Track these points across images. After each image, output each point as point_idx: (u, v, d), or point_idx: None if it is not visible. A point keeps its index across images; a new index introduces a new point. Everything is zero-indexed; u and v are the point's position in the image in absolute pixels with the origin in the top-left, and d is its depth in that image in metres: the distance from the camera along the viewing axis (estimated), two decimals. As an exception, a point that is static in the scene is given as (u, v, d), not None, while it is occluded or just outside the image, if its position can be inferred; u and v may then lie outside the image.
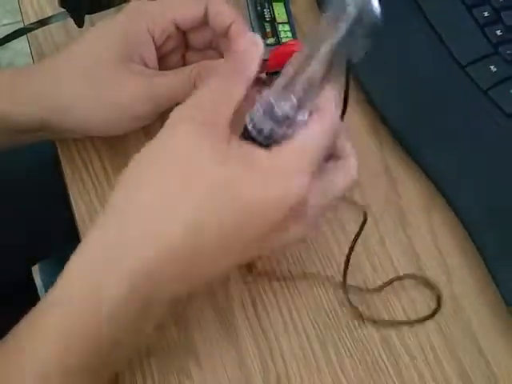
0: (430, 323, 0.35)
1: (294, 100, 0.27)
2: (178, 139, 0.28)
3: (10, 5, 1.65)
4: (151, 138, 0.38)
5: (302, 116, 0.28)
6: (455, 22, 0.44)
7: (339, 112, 0.30)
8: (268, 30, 0.42)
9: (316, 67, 0.26)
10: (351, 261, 0.34)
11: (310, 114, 0.28)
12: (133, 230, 0.27)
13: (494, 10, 0.44)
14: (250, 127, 0.28)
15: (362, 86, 0.42)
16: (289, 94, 0.27)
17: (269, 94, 0.28)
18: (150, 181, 0.27)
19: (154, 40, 0.36)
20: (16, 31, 0.44)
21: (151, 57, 0.36)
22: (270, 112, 0.27)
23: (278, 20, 0.42)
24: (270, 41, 0.42)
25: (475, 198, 0.38)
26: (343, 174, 0.30)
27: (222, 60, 0.36)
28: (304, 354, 0.33)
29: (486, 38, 0.43)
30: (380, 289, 0.35)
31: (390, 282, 0.35)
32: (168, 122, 0.28)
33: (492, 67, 0.41)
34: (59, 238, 0.63)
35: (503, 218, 0.37)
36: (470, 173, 0.38)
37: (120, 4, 0.45)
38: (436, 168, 0.39)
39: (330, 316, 0.35)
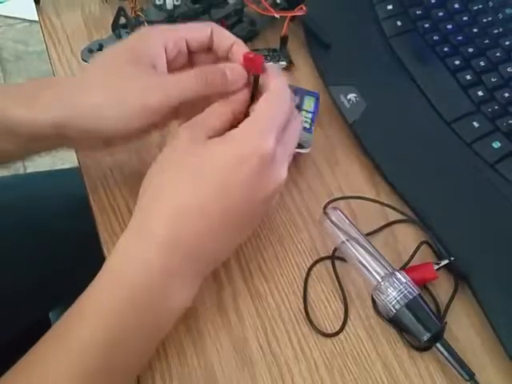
0: (427, 354, 0.38)
1: None
2: (177, 141, 0.36)
3: (26, 72, 1.76)
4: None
5: None
6: (440, 84, 0.49)
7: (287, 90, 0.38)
8: None
9: None
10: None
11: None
12: (151, 210, 0.35)
13: (475, 74, 0.49)
14: None
15: (360, 141, 0.47)
16: None
17: None
18: (161, 172, 0.36)
19: (166, 52, 0.39)
20: None
21: (162, 66, 0.39)
22: None
23: (304, 108, 0.47)
24: None
25: (468, 244, 0.42)
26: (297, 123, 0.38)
27: (221, 65, 0.39)
28: (312, 379, 0.37)
29: (469, 98, 0.48)
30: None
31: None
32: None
33: (475, 123, 0.46)
34: (72, 289, 0.66)
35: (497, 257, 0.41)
36: (457, 218, 0.43)
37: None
38: (427, 214, 0.43)
39: (336, 344, 0.38)
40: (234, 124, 0.37)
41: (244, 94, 0.38)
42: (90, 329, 0.32)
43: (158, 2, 0.49)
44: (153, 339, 0.35)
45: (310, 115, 0.47)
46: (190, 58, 0.42)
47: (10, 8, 1.80)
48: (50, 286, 0.61)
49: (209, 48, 0.41)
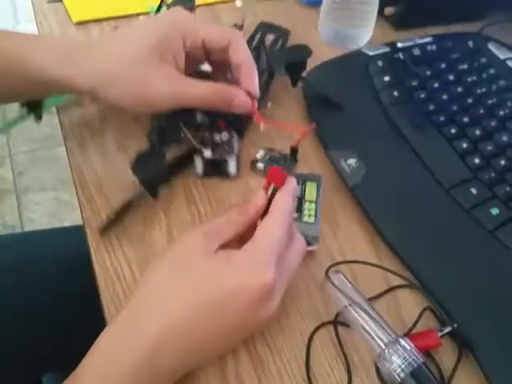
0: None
1: None
2: (184, 240, 0.37)
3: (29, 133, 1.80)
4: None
5: None
6: (438, 152, 0.51)
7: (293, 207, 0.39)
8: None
9: None
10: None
11: None
12: (142, 312, 0.34)
13: (471, 142, 0.51)
14: None
15: (361, 205, 0.48)
16: None
17: None
18: (158, 273, 0.36)
19: (184, 47, 0.45)
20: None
21: (181, 60, 0.45)
22: None
23: (307, 198, 0.47)
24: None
25: (470, 310, 0.42)
26: (298, 248, 0.38)
27: (233, 89, 0.45)
28: None
29: (466, 165, 0.49)
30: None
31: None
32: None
33: (473, 190, 0.47)
34: (71, 351, 0.64)
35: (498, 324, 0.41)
36: (458, 284, 0.43)
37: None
38: (429, 279, 0.43)
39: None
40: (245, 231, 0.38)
41: (262, 207, 0.38)
42: None
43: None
44: None
45: (313, 206, 0.47)
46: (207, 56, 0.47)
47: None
48: (46, 348, 0.60)
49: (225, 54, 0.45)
